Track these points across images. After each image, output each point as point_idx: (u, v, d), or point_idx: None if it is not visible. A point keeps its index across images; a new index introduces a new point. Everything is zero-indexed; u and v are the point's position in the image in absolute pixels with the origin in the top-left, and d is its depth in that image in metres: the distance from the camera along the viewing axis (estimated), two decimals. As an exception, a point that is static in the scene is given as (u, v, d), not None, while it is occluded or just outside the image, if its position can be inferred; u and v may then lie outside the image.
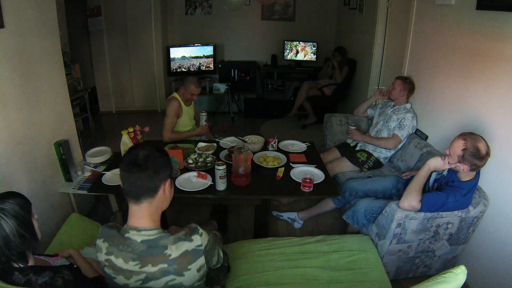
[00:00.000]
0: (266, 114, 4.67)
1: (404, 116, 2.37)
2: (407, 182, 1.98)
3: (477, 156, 1.52)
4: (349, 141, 2.67)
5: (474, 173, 1.62)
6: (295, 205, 2.64)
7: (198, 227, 1.05)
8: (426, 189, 1.78)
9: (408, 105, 2.44)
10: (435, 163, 1.67)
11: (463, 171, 1.58)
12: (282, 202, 2.59)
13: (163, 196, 1.02)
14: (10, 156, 1.67)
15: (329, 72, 4.24)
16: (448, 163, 1.62)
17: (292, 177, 1.88)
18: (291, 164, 2.05)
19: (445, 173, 1.76)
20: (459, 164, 1.56)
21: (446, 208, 1.62)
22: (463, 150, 1.53)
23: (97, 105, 4.73)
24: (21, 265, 1.02)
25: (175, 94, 2.44)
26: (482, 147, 1.52)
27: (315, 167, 2.02)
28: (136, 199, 0.97)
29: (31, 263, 1.06)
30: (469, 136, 1.56)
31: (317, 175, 1.92)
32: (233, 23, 4.88)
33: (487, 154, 1.53)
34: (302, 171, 1.92)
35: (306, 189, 1.78)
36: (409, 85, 2.42)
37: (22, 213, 1.02)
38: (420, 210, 1.62)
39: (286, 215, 2.43)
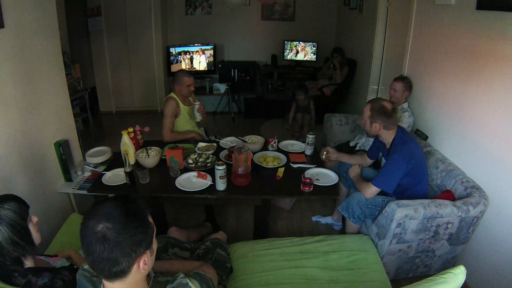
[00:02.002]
0: (266, 114, 4.67)
1: (401, 115, 2.39)
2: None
3: (383, 111, 1.76)
4: (352, 143, 2.67)
5: (393, 132, 1.82)
6: (296, 205, 2.64)
7: (188, 282, 0.92)
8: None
9: (405, 105, 2.45)
10: (354, 173, 2.00)
11: (377, 131, 1.82)
12: (285, 208, 2.58)
13: (138, 272, 0.82)
14: (10, 156, 1.67)
15: (329, 74, 4.24)
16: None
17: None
18: (291, 164, 2.05)
19: (384, 160, 1.95)
20: (372, 124, 1.81)
21: (397, 162, 1.74)
22: (370, 110, 1.80)
23: (97, 105, 4.73)
24: (17, 268, 1.01)
25: (172, 94, 2.44)
26: (387, 104, 1.78)
27: (315, 167, 2.02)
28: (104, 276, 0.80)
29: (30, 264, 1.05)
30: (374, 99, 1.85)
31: (331, 177, 1.93)
32: (233, 23, 4.88)
33: (394, 110, 1.79)
34: (317, 173, 1.94)
35: (306, 189, 1.78)
36: (409, 84, 2.42)
37: (17, 220, 0.99)
38: (379, 186, 1.76)
39: (324, 220, 2.43)
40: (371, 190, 1.79)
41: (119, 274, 0.78)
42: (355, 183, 1.94)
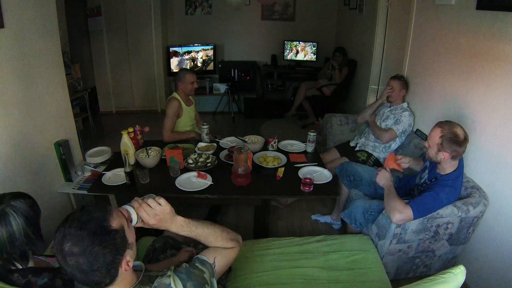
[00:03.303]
0: (266, 114, 4.67)
1: (401, 114, 2.38)
2: (405, 182, 1.98)
3: (455, 141, 1.53)
4: (352, 143, 2.67)
5: (456, 162, 1.63)
6: (296, 205, 2.64)
7: (171, 283, 0.90)
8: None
9: (404, 104, 2.45)
10: (383, 179, 1.77)
11: (444, 160, 1.59)
12: (281, 202, 2.59)
13: (125, 273, 0.84)
14: (10, 156, 1.67)
15: (328, 74, 4.24)
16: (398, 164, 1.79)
17: (300, 177, 1.88)
18: (295, 165, 2.05)
19: (425, 178, 1.78)
20: (439, 153, 1.58)
21: (440, 204, 1.60)
22: (441, 137, 1.55)
23: (97, 105, 4.73)
24: (20, 266, 1.02)
25: (175, 94, 2.44)
26: (459, 132, 1.54)
27: (316, 165, 2.03)
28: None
29: (30, 264, 1.05)
30: (446, 123, 1.59)
31: (326, 175, 1.93)
32: (233, 23, 4.88)
33: (465, 139, 1.54)
34: (310, 171, 1.93)
35: (306, 189, 1.78)
36: (405, 83, 2.43)
37: (31, 214, 1.02)
38: (416, 216, 1.57)
39: (323, 219, 2.44)
40: (405, 217, 1.56)
41: (109, 284, 0.82)
42: (386, 196, 1.69)
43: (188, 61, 4.81)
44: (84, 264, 0.76)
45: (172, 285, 0.89)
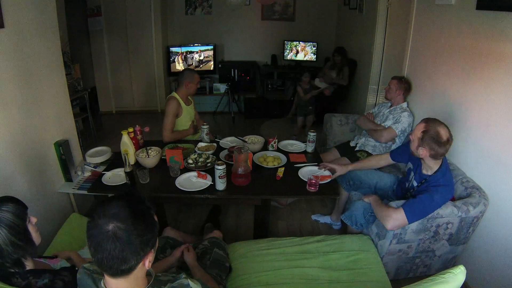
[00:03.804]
0: (266, 114, 4.67)
1: (400, 115, 2.38)
2: (402, 181, 1.97)
3: (436, 140, 1.51)
4: (352, 143, 2.67)
5: (439, 161, 1.62)
6: (296, 205, 2.64)
7: (190, 283, 0.93)
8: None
9: (404, 105, 2.44)
10: (371, 199, 1.77)
11: (423, 156, 1.58)
12: (281, 202, 2.59)
13: (142, 269, 0.85)
14: (10, 156, 1.67)
15: (331, 75, 4.20)
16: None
17: (300, 177, 1.88)
18: (295, 165, 2.05)
19: (412, 181, 1.77)
20: (419, 148, 1.57)
21: (436, 205, 1.58)
22: (423, 132, 1.55)
23: (97, 105, 4.73)
24: (18, 270, 1.01)
25: (174, 94, 2.44)
26: (443, 132, 1.52)
27: (316, 165, 2.02)
28: (110, 273, 0.81)
29: (30, 266, 1.05)
30: (432, 120, 1.58)
31: (326, 175, 1.93)
32: (233, 23, 4.89)
33: (448, 141, 1.52)
34: (311, 171, 1.93)
35: (312, 189, 1.77)
36: (404, 85, 2.42)
37: (15, 221, 0.99)
38: (411, 221, 1.55)
39: (323, 220, 2.45)
40: (400, 223, 1.54)
41: (126, 271, 0.80)
42: (375, 210, 1.70)
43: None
44: (123, 231, 0.76)
45: (192, 285, 0.92)
